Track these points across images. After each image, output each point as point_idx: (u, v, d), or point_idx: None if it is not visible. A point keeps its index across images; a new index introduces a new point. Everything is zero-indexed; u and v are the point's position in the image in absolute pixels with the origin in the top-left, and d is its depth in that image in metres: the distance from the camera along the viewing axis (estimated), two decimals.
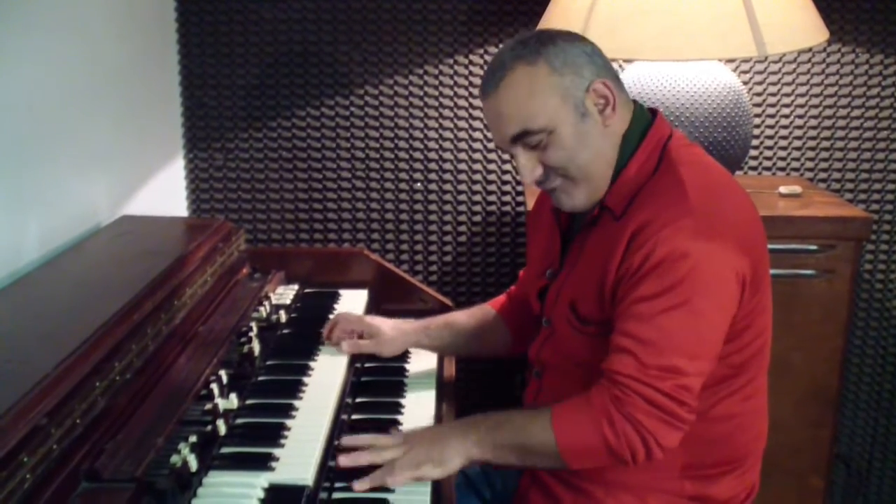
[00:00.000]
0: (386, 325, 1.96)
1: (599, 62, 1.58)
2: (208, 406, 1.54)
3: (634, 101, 1.65)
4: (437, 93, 2.72)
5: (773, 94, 2.70)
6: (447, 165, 2.77)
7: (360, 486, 1.48)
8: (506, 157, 2.76)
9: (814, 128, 2.72)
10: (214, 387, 1.57)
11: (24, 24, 1.81)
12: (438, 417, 1.78)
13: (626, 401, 1.46)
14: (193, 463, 1.37)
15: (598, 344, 1.58)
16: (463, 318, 1.96)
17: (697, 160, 1.61)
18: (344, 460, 1.52)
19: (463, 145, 2.76)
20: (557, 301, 1.67)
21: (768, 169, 2.75)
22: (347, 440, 1.58)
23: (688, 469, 1.62)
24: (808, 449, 2.39)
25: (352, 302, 2.19)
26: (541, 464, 1.57)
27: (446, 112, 2.74)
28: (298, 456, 1.49)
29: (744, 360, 1.59)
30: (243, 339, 1.81)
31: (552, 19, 2.23)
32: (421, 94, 2.73)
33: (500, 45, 2.63)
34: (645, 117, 1.63)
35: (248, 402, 1.66)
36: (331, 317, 2.07)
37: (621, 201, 1.56)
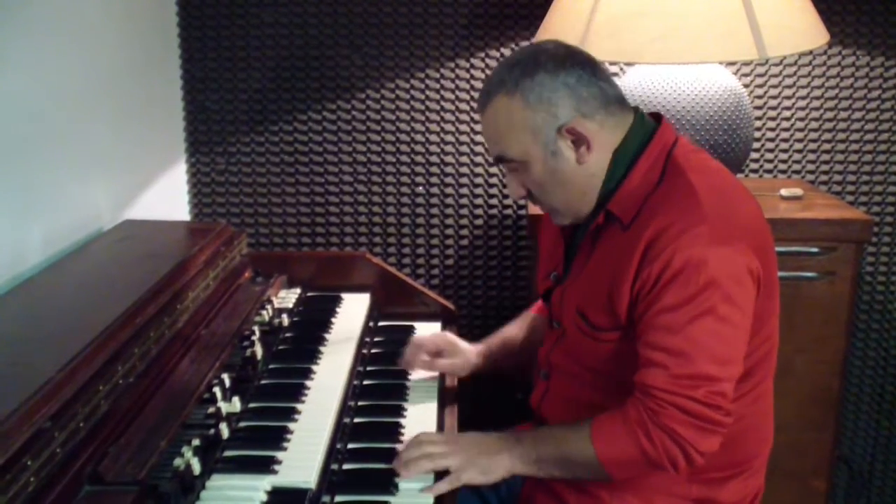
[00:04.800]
0: (462, 344, 1.94)
1: (583, 93, 1.55)
2: (211, 409, 1.54)
3: (636, 110, 1.64)
4: (438, 97, 2.73)
5: (774, 97, 2.70)
6: (449, 169, 2.78)
7: (432, 492, 1.51)
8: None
9: (815, 130, 2.72)
10: (217, 390, 1.58)
11: (25, 29, 1.81)
12: (441, 420, 1.78)
13: (662, 412, 1.46)
14: (196, 466, 1.37)
15: (610, 350, 1.58)
16: (514, 330, 1.98)
17: (705, 166, 1.61)
18: (404, 472, 1.54)
19: (465, 149, 2.76)
20: (563, 305, 1.68)
21: (769, 171, 2.76)
22: (397, 464, 1.57)
23: (694, 473, 1.61)
24: (810, 451, 2.39)
25: (354, 306, 2.18)
26: (585, 476, 1.58)
27: (448, 116, 2.74)
28: (301, 459, 1.49)
29: (753, 364, 1.59)
30: (246, 343, 1.82)
31: (552, 25, 2.23)
32: (422, 97, 2.73)
33: (497, 60, 2.65)
34: (644, 128, 1.62)
35: (251, 405, 1.66)
36: (334, 320, 2.08)
37: (629, 210, 1.56)
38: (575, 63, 1.58)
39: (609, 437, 1.51)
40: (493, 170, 2.78)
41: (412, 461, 1.54)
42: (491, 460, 1.56)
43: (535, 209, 2.16)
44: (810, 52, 2.64)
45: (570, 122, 1.55)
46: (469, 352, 1.94)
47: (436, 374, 1.94)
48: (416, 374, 1.95)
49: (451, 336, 1.96)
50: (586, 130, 1.56)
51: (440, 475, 1.55)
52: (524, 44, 2.64)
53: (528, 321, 1.98)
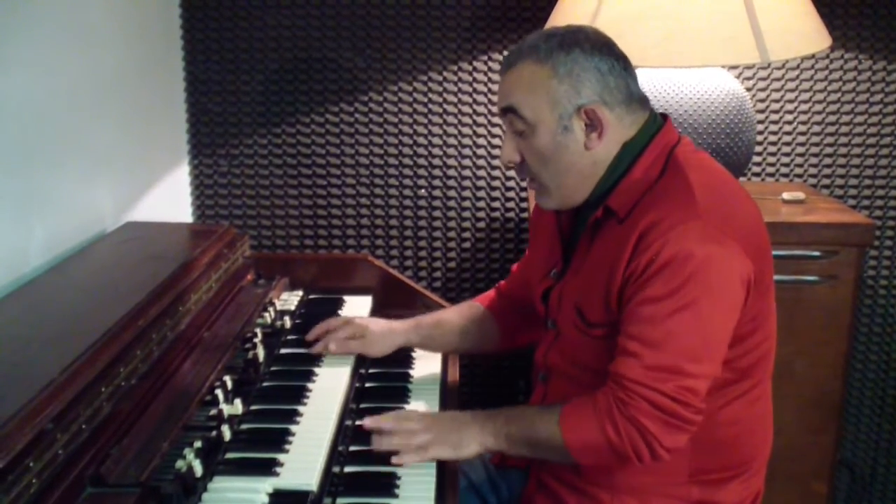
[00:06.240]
0: (374, 324, 1.95)
1: (611, 82, 1.57)
2: (213, 411, 1.54)
3: (652, 110, 1.65)
4: (441, 99, 2.73)
5: (777, 101, 2.70)
6: (451, 172, 2.78)
7: (398, 460, 1.56)
8: (509, 165, 2.76)
9: (817, 134, 2.72)
10: (219, 392, 1.58)
11: (29, 31, 1.82)
12: None
13: (630, 404, 1.47)
14: (198, 468, 1.37)
15: (605, 347, 1.58)
16: (452, 315, 1.98)
17: (705, 165, 1.62)
18: (377, 443, 1.59)
19: (467, 151, 2.77)
20: (561, 304, 1.68)
21: (771, 175, 2.76)
22: (370, 422, 1.62)
23: (694, 474, 1.62)
24: (811, 454, 2.39)
25: (356, 308, 2.19)
26: (551, 457, 1.60)
27: (450, 119, 2.74)
28: (303, 461, 1.49)
29: (749, 364, 1.59)
30: (248, 345, 1.82)
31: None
32: (425, 100, 2.73)
33: (499, 63, 2.65)
34: (656, 125, 1.63)
35: (253, 407, 1.66)
36: None
37: (626, 204, 1.57)
38: (611, 53, 1.59)
39: (576, 423, 1.52)
40: (496, 172, 2.78)
41: (386, 435, 1.58)
42: (461, 436, 1.58)
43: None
44: (812, 56, 2.64)
45: (590, 105, 1.56)
46: (385, 332, 1.94)
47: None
48: (418, 376, 1.95)
49: (359, 321, 1.95)
50: (603, 118, 1.57)
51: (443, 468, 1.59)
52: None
53: (469, 309, 1.98)
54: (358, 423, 1.66)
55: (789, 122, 2.72)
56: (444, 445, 1.58)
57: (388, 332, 1.94)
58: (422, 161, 2.78)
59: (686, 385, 1.47)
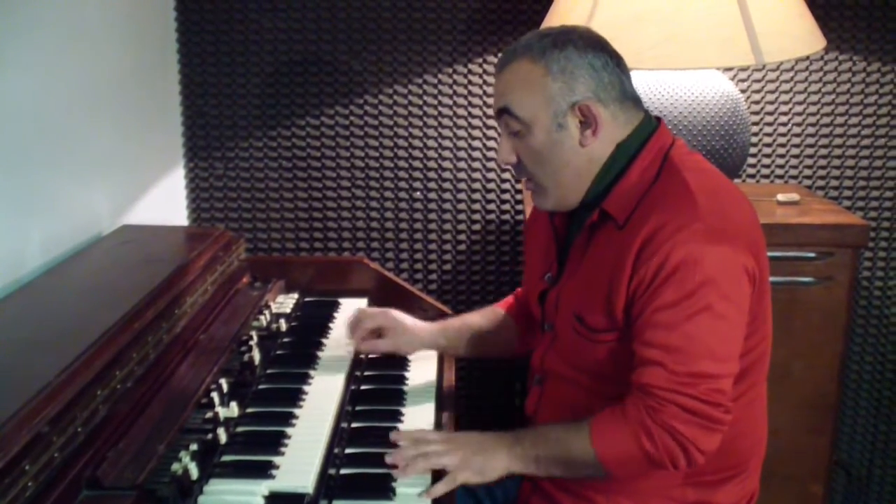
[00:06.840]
0: (408, 321, 1.95)
1: (605, 79, 1.57)
2: (209, 414, 1.55)
3: (646, 112, 1.66)
4: (436, 101, 2.73)
5: (771, 103, 2.71)
6: (447, 174, 2.78)
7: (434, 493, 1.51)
8: (506, 165, 2.77)
9: (811, 135, 2.73)
10: (215, 395, 1.58)
11: (26, 33, 1.82)
12: (438, 425, 1.78)
13: (662, 411, 1.47)
14: (194, 471, 1.37)
15: (607, 350, 1.59)
16: (478, 319, 1.97)
17: (700, 167, 1.62)
18: (390, 459, 1.53)
19: (462, 154, 2.77)
20: (558, 307, 1.68)
21: (766, 177, 2.76)
22: (389, 459, 1.55)
23: (690, 476, 1.62)
24: (807, 455, 2.39)
25: (352, 311, 2.18)
26: (585, 474, 1.58)
27: (446, 121, 2.75)
28: (299, 463, 1.49)
29: (748, 365, 1.60)
30: (243, 348, 1.82)
31: None
32: (421, 102, 2.74)
33: (494, 66, 2.65)
34: (650, 126, 1.64)
35: (249, 410, 1.67)
36: (332, 325, 2.08)
37: (624, 209, 1.57)
38: (604, 50, 1.60)
39: (609, 437, 1.50)
40: (491, 175, 2.78)
41: (409, 461, 1.53)
42: (487, 460, 1.55)
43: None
44: (807, 58, 2.64)
45: (584, 101, 1.56)
46: (416, 329, 1.94)
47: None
48: (413, 378, 1.95)
49: (395, 314, 1.95)
50: (598, 114, 1.57)
51: (438, 475, 1.54)
52: None
53: (492, 314, 1.97)
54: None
55: (784, 124, 2.72)
56: (469, 471, 1.54)
57: (419, 332, 1.94)
58: (417, 163, 2.78)
59: (713, 387, 1.47)
